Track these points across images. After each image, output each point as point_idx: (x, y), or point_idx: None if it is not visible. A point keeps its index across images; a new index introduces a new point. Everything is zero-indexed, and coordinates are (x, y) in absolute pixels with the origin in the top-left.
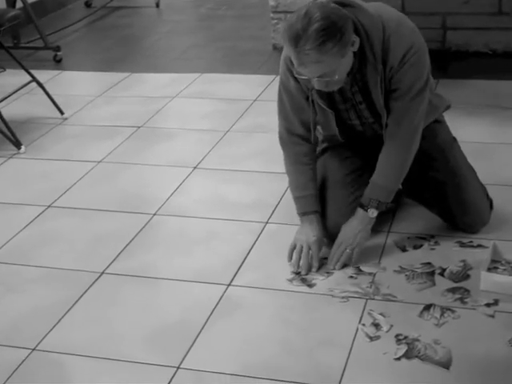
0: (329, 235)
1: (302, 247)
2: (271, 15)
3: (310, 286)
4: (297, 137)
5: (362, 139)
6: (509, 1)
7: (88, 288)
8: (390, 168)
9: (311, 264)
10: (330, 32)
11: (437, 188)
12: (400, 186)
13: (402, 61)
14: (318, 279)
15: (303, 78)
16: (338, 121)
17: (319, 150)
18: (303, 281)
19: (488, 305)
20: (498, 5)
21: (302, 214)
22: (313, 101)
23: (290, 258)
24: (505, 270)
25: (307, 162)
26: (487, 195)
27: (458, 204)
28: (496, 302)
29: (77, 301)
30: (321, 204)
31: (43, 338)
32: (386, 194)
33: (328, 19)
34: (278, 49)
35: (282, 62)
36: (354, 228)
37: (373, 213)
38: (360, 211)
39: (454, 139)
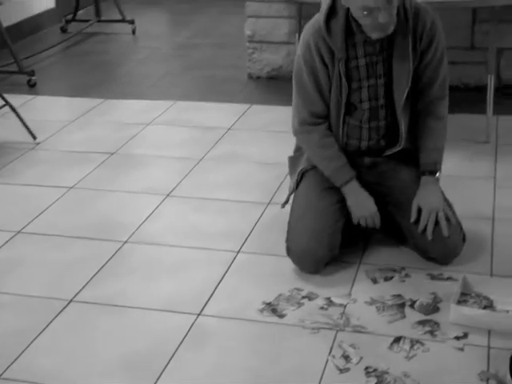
0: (293, 258)
1: (366, 221)
2: (247, 44)
3: (281, 316)
4: (319, 118)
5: (357, 154)
6: (481, 36)
7: (56, 315)
8: (442, 128)
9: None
10: None
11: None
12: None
13: (432, 29)
14: (289, 310)
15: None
16: (346, 110)
17: (299, 172)
18: (274, 311)
19: (457, 338)
20: (470, 40)
21: (346, 182)
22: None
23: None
24: (474, 302)
25: (331, 136)
26: (461, 228)
27: (433, 235)
28: (465, 335)
29: (44, 328)
30: (298, 231)
31: (10, 365)
32: (441, 155)
33: None
34: (253, 78)
35: (304, 42)
36: (436, 192)
37: (439, 174)
38: (430, 178)
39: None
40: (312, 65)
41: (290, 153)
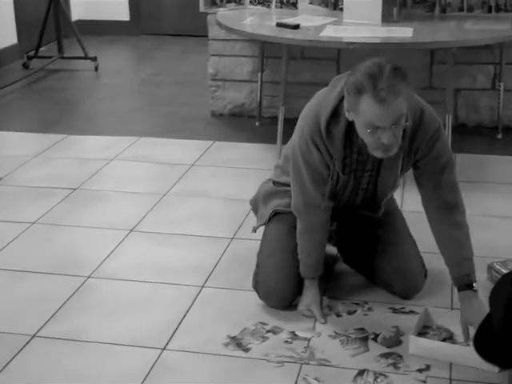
0: (260, 293)
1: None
2: (210, 82)
3: (246, 350)
4: (312, 207)
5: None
6: (439, 77)
7: (18, 351)
8: (464, 237)
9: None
10: (401, 72)
11: (378, 252)
12: (337, 253)
13: (431, 140)
14: (254, 343)
15: (369, 140)
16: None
17: (270, 214)
18: (239, 345)
19: (420, 370)
20: (428, 80)
21: (308, 277)
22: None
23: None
24: (435, 335)
25: (317, 232)
26: (423, 264)
27: (396, 271)
28: (428, 368)
29: (6, 365)
30: (268, 268)
31: None
32: (472, 264)
33: (397, 66)
34: (216, 115)
35: (303, 135)
36: (481, 308)
37: (476, 285)
38: (469, 292)
39: (398, 209)
40: (310, 161)
41: (253, 189)
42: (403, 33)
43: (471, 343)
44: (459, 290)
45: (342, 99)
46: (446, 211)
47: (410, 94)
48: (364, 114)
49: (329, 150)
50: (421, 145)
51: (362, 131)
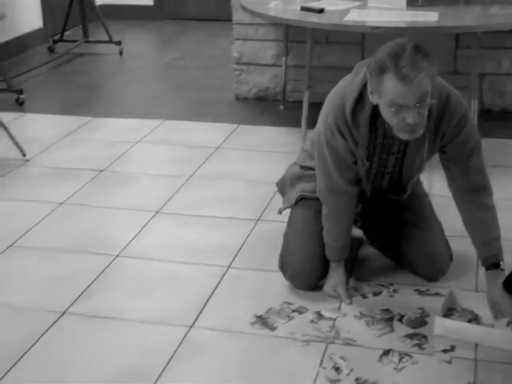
0: (286, 275)
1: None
2: (234, 66)
3: (272, 329)
4: (337, 193)
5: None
6: (464, 61)
7: (48, 328)
8: (492, 219)
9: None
10: (423, 50)
11: (404, 235)
12: (363, 236)
13: (458, 125)
14: (280, 323)
15: (394, 119)
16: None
17: (296, 198)
18: (265, 324)
19: (445, 351)
20: (453, 65)
21: (334, 260)
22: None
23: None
24: (460, 317)
25: (343, 216)
26: (449, 248)
27: (422, 254)
28: (453, 348)
29: (37, 340)
30: (294, 250)
31: (1, 378)
32: (500, 244)
33: (419, 44)
34: (240, 99)
35: (327, 121)
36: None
37: (503, 263)
38: (496, 272)
39: (425, 193)
40: (334, 146)
41: (277, 172)
42: (428, 17)
43: (497, 323)
44: (486, 269)
45: (365, 84)
46: (474, 194)
47: (435, 74)
48: (387, 93)
49: (354, 137)
50: (447, 130)
51: (387, 112)
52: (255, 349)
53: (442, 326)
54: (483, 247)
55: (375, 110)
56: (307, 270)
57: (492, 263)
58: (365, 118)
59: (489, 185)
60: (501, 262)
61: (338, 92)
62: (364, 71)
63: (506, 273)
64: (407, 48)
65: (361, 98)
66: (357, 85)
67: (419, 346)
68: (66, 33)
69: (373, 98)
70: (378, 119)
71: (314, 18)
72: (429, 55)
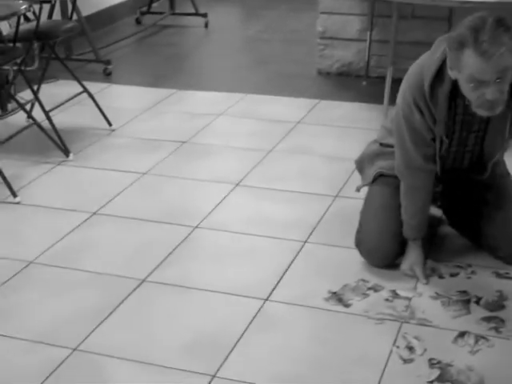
0: (363, 251)
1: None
2: (318, 40)
3: (346, 305)
4: (414, 169)
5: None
6: None
7: (129, 294)
8: None
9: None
10: (505, 23)
11: (485, 216)
12: (442, 215)
13: None
14: (354, 300)
15: (473, 94)
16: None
17: (375, 175)
18: (339, 300)
19: None
20: None
21: (411, 239)
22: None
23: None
24: None
25: (419, 194)
26: None
27: (503, 236)
28: None
29: (118, 305)
30: (371, 226)
31: (84, 340)
32: None
33: (501, 17)
34: (322, 74)
35: (405, 97)
36: None
37: None
38: None
39: (509, 173)
40: (411, 121)
41: (357, 148)
42: None
43: None
44: None
45: (445, 60)
46: None
47: None
48: (467, 68)
49: (432, 113)
50: None
51: (466, 88)
52: (329, 325)
53: None
54: None
55: (455, 85)
56: (383, 246)
57: None
58: (444, 93)
59: None
60: None
61: (417, 68)
62: (444, 46)
63: None
64: (488, 21)
65: (440, 73)
66: (436, 60)
67: (496, 329)
68: (154, 5)
69: (452, 74)
70: (458, 95)
71: None
72: (511, 29)
